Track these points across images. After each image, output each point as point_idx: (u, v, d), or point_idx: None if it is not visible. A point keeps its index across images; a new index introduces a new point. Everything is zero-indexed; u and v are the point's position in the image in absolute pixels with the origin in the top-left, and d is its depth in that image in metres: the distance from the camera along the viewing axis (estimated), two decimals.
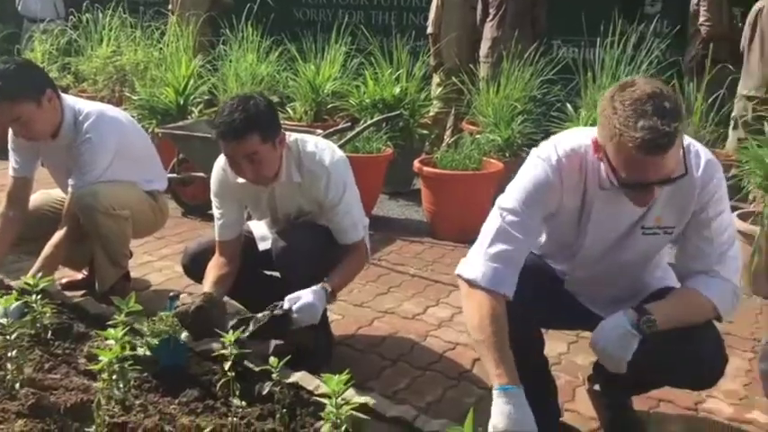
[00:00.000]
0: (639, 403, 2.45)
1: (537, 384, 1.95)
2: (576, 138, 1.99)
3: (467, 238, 4.18)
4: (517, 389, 1.77)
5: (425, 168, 4.38)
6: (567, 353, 2.85)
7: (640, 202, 1.89)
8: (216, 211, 2.67)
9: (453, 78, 5.50)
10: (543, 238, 2.16)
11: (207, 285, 2.54)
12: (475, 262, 1.94)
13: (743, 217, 3.67)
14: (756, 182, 3.54)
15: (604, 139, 1.81)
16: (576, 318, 2.21)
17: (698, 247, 2.01)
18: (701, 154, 1.95)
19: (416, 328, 3.12)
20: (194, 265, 2.71)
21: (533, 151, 2.04)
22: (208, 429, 1.91)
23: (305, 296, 2.37)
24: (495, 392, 1.79)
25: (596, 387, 2.41)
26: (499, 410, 1.77)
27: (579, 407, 2.48)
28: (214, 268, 2.60)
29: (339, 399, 1.76)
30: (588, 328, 2.26)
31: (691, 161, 1.89)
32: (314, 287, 2.40)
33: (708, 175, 1.94)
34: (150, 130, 4.74)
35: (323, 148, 2.58)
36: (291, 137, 2.58)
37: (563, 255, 2.15)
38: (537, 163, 1.98)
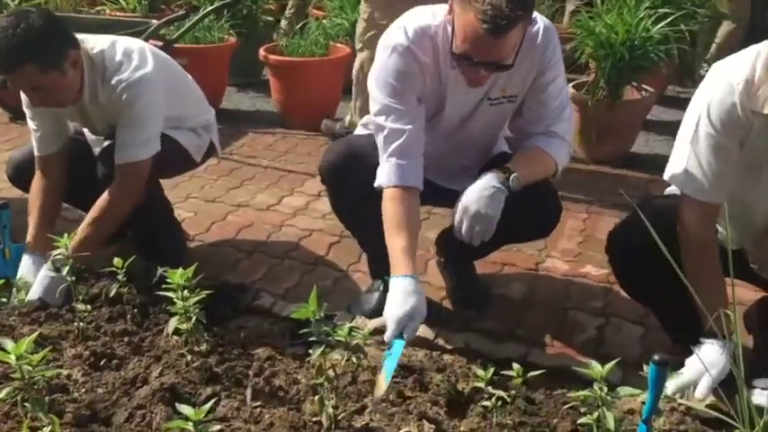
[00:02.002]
0: (484, 268, 2.60)
1: None
2: (423, 17, 1.98)
3: (318, 126, 4.20)
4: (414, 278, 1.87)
5: (271, 56, 4.24)
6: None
7: (472, 82, 1.92)
8: (30, 123, 2.40)
9: None
10: None
11: (32, 219, 2.36)
12: (381, 168, 1.99)
13: (578, 87, 3.87)
14: (588, 52, 3.70)
15: (456, 1, 1.81)
16: (425, 194, 2.27)
17: (537, 111, 2.09)
18: (539, 20, 1.99)
19: (271, 219, 3.11)
20: (19, 175, 2.50)
21: (383, 39, 2.01)
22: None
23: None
24: (392, 280, 1.88)
25: (442, 258, 2.54)
26: (395, 297, 1.84)
27: (431, 278, 2.60)
28: (37, 192, 2.39)
29: (185, 291, 1.74)
30: (438, 203, 2.35)
31: (530, 29, 1.94)
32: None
33: (546, 40, 2.00)
34: None
35: (132, 59, 2.24)
36: (96, 47, 2.25)
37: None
38: (389, 53, 1.97)
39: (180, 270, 1.74)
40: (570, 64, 3.96)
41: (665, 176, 1.82)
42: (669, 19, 3.60)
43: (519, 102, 2.10)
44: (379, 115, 1.99)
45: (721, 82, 1.68)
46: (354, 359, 1.80)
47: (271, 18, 5.19)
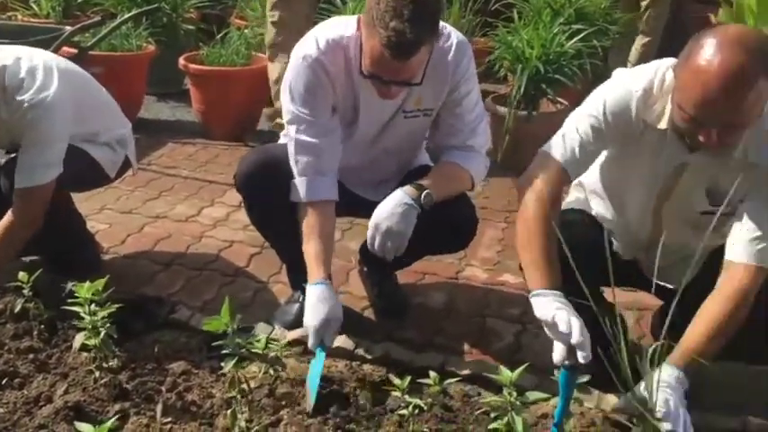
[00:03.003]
0: (406, 277, 2.62)
1: None
2: (336, 29, 1.99)
3: (239, 136, 4.14)
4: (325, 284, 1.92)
5: (192, 66, 4.17)
6: (342, 239, 2.94)
7: (383, 95, 1.94)
8: None
9: None
10: None
11: None
12: (295, 183, 2.01)
13: (497, 99, 3.96)
14: (506, 66, 3.80)
15: (364, 22, 1.84)
16: (347, 205, 2.27)
17: (452, 125, 2.12)
18: (453, 36, 2.03)
19: (191, 230, 3.05)
20: None
21: (295, 50, 2.01)
22: None
23: None
24: (307, 289, 1.92)
25: (365, 268, 2.54)
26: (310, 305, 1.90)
27: (352, 288, 2.60)
28: None
29: (94, 306, 1.68)
30: (360, 213, 2.35)
31: (442, 44, 1.97)
32: None
33: (459, 55, 2.03)
34: None
35: (36, 77, 2.14)
36: None
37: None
38: (301, 64, 1.96)
39: (87, 283, 1.68)
40: (490, 77, 4.08)
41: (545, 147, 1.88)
42: (582, 35, 3.74)
43: (434, 115, 2.13)
44: (290, 125, 1.99)
45: (621, 86, 1.76)
46: (272, 371, 1.78)
47: (192, 27, 5.10)
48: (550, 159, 1.84)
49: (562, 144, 1.83)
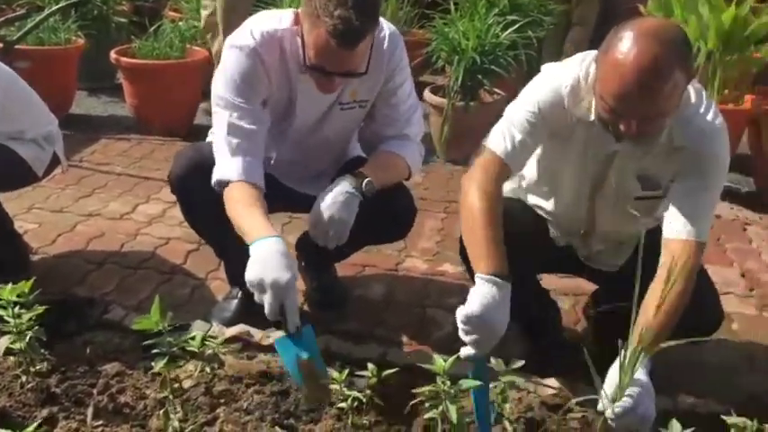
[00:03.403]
0: (345, 270, 2.61)
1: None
2: (270, 21, 1.96)
3: (176, 131, 4.06)
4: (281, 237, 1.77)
5: (123, 59, 4.06)
6: (281, 233, 2.91)
7: (323, 88, 1.93)
8: None
9: None
10: None
11: None
12: (224, 163, 1.92)
13: (435, 90, 3.98)
14: (444, 57, 3.81)
15: (304, 14, 1.81)
16: (284, 200, 2.25)
17: (387, 115, 2.12)
18: (385, 26, 2.03)
19: (125, 228, 2.97)
20: None
21: (229, 39, 1.97)
22: None
23: None
24: (254, 244, 1.74)
25: (303, 262, 2.52)
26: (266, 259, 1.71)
27: None
28: None
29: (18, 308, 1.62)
30: (296, 208, 2.33)
31: (377, 34, 1.96)
32: None
33: (392, 45, 2.03)
34: None
35: None
36: None
37: (271, 135, 2.15)
38: (235, 53, 1.93)
39: (10, 285, 1.62)
40: (428, 68, 4.10)
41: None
42: (516, 26, 3.78)
43: (370, 106, 2.13)
44: (224, 110, 1.93)
45: (551, 81, 1.79)
46: (208, 369, 1.75)
47: (124, 19, 4.97)
48: (492, 154, 1.84)
49: (502, 139, 1.84)
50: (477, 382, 1.48)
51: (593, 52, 1.74)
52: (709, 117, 1.72)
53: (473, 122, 3.78)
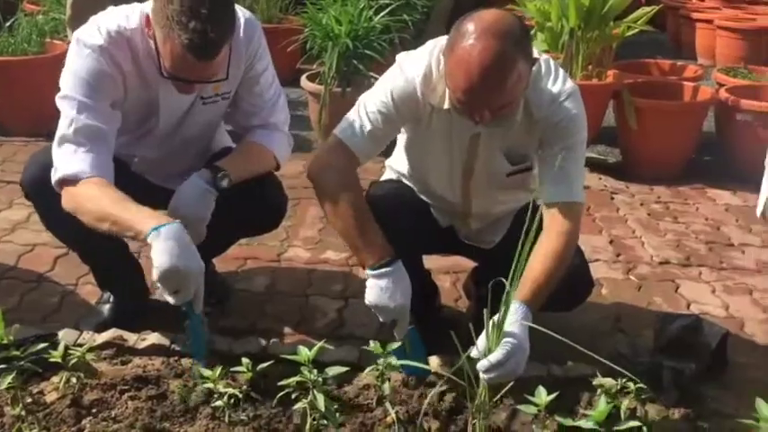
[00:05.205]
0: (226, 265, 2.55)
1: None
2: (116, 20, 1.87)
3: (39, 131, 3.83)
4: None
5: None
6: None
7: (183, 90, 1.87)
8: None
9: None
10: None
11: None
12: (69, 159, 1.80)
13: (312, 77, 3.94)
14: (318, 43, 3.79)
15: (156, 22, 1.74)
16: (154, 199, 2.16)
17: (251, 104, 2.08)
18: (240, 14, 1.98)
19: None
20: None
21: (78, 36, 1.87)
22: None
23: None
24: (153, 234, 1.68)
25: None
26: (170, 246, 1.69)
27: None
28: None
29: None
30: (163, 205, 2.24)
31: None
32: None
33: (250, 32, 1.98)
34: None
35: None
36: None
37: (135, 136, 2.06)
38: (83, 51, 1.84)
39: None
40: (304, 54, 4.06)
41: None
42: (388, 9, 3.79)
43: (232, 96, 2.08)
44: (71, 110, 1.83)
45: (404, 72, 1.81)
46: (74, 379, 1.67)
47: None
48: (339, 143, 1.85)
49: (351, 129, 1.85)
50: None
51: (443, 40, 1.77)
52: (560, 83, 1.80)
53: (351, 108, 3.79)
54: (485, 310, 1.57)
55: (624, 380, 1.68)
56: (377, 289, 1.75)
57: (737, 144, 3.64)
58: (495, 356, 1.56)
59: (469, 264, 2.37)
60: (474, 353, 1.59)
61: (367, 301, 1.78)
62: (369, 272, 1.77)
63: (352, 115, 1.87)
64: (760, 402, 1.46)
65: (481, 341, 1.61)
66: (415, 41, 4.20)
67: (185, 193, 1.88)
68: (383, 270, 1.74)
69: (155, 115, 2.00)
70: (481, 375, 1.58)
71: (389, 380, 1.72)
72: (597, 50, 3.73)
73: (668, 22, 6.81)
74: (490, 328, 1.58)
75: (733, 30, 5.83)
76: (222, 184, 1.90)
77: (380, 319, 1.82)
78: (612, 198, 3.45)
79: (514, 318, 1.63)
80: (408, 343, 1.80)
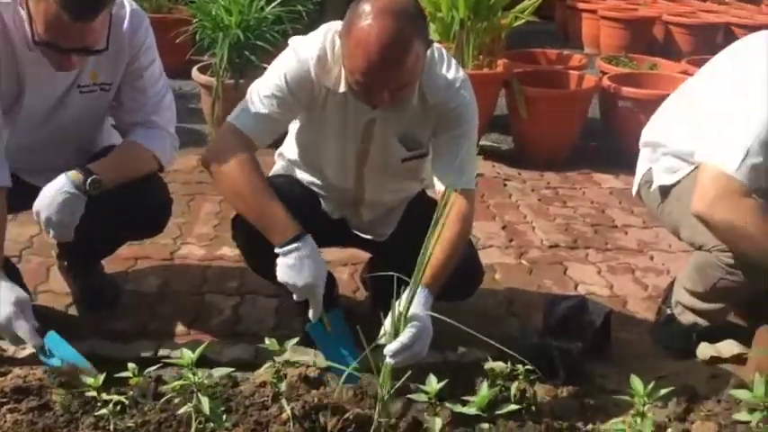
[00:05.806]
0: (115, 266, 2.46)
1: None
2: None
3: None
4: None
5: None
6: (39, 234, 2.67)
7: (59, 66, 1.78)
8: None
9: None
10: None
11: None
12: None
13: (203, 69, 3.84)
14: (208, 34, 3.69)
15: None
16: (24, 198, 2.03)
17: (134, 99, 2.01)
18: (126, 3, 1.92)
19: None
20: None
21: None
22: None
23: None
24: None
25: (65, 262, 2.33)
26: None
27: (54, 285, 2.38)
28: None
29: None
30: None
31: (117, 11, 1.85)
32: None
33: (135, 23, 1.92)
34: None
35: None
36: None
37: (6, 117, 1.94)
38: None
39: None
40: (194, 46, 3.95)
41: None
42: None
43: (114, 90, 1.99)
44: None
45: (297, 55, 1.79)
46: None
47: None
48: (235, 129, 1.83)
49: (244, 114, 1.83)
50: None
51: (336, 23, 1.77)
52: (453, 71, 1.84)
53: None
54: (393, 298, 1.60)
55: (514, 363, 1.73)
56: (284, 267, 1.75)
57: (620, 130, 3.81)
58: (403, 339, 1.60)
59: (366, 255, 2.38)
60: (382, 340, 1.62)
61: (278, 279, 1.77)
62: (276, 250, 1.76)
63: (245, 102, 1.84)
64: (634, 379, 1.54)
65: (388, 325, 1.64)
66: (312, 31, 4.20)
67: (50, 195, 1.79)
68: (289, 247, 1.74)
69: (21, 97, 1.88)
70: (388, 359, 1.60)
71: (285, 376, 1.71)
72: (487, 40, 3.81)
73: (557, 12, 7.06)
74: (396, 313, 1.61)
75: (616, 20, 6.10)
76: (92, 189, 1.82)
77: (294, 298, 1.80)
78: (505, 185, 3.54)
79: (417, 301, 1.66)
80: (330, 324, 1.83)
